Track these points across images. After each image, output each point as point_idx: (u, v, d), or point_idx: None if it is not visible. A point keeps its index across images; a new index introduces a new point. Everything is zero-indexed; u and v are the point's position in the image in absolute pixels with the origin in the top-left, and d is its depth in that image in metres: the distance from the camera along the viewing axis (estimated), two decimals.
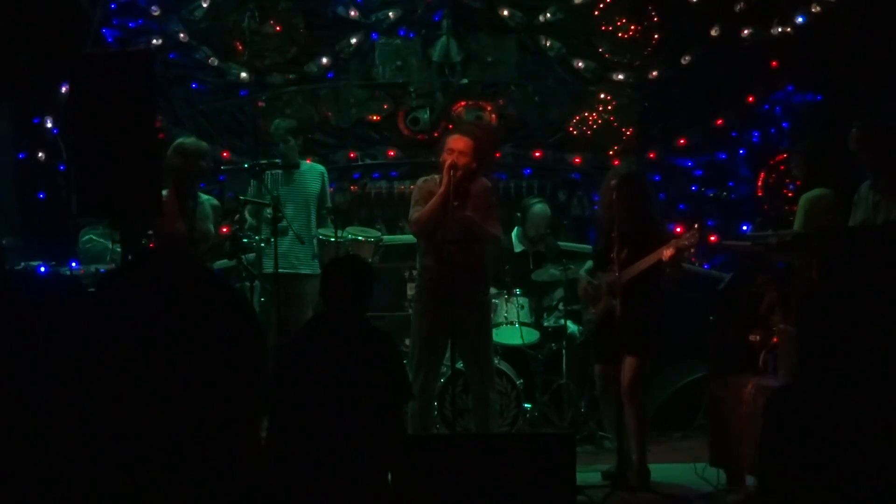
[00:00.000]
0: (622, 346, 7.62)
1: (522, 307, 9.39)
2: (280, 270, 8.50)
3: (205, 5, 11.04)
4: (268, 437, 5.66)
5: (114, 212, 6.80)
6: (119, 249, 7.01)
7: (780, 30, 10.98)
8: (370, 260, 8.66)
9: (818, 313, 4.98)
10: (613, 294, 7.64)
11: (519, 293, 9.43)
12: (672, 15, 11.21)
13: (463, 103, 11.17)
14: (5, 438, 4.84)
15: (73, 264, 9.21)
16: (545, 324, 9.56)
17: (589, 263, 8.45)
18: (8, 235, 9.82)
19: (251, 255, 8.84)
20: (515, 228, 10.03)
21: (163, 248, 8.02)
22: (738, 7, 11.03)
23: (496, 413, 8.29)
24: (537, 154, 11.32)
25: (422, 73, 11.28)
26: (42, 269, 8.80)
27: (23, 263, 9.14)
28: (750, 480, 7.18)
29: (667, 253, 7.48)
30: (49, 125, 10.56)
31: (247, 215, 9.08)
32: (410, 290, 8.74)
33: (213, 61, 11.13)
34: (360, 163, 11.35)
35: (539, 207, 9.99)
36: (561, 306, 9.57)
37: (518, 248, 9.97)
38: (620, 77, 11.28)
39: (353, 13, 11.18)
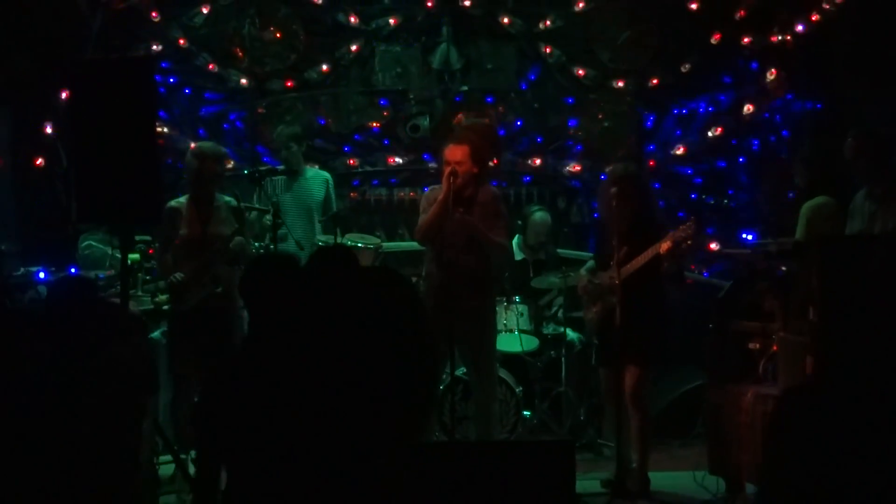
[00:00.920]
0: (624, 353, 7.61)
1: (522, 314, 9.38)
2: None
3: (205, 11, 11.05)
4: None
5: (113, 218, 6.79)
6: (119, 255, 6.99)
7: (779, 38, 10.98)
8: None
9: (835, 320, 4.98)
10: (614, 293, 7.62)
11: (518, 300, 9.42)
12: (672, 23, 11.22)
13: (463, 110, 11.17)
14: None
15: (73, 270, 9.21)
16: (545, 331, 9.56)
17: (590, 262, 8.45)
18: (7, 241, 9.80)
19: None
20: (516, 236, 10.03)
21: (179, 251, 8.07)
22: (738, 15, 11.03)
23: (496, 420, 8.29)
24: (537, 161, 11.32)
25: (421, 80, 11.29)
26: (41, 274, 8.80)
27: (22, 269, 9.14)
28: (749, 488, 7.18)
29: (664, 246, 7.47)
30: (49, 131, 10.54)
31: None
32: None
33: (213, 67, 11.13)
34: (359, 170, 11.36)
35: (540, 215, 10.00)
36: (560, 314, 9.56)
37: (518, 255, 9.97)
38: (620, 85, 11.28)
39: (352, 20, 11.18)
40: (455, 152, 7.78)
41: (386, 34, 11.28)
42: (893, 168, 7.96)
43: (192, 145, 8.65)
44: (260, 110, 11.25)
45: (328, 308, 3.84)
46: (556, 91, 11.43)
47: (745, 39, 11.04)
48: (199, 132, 11.02)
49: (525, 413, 9.14)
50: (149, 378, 6.10)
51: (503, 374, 9.08)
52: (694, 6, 11.04)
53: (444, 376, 8.35)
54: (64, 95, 10.14)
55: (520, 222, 10.05)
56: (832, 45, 10.98)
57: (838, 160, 8.26)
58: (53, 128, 10.52)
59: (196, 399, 6.54)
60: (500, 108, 11.36)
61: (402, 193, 11.16)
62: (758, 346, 7.43)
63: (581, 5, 11.14)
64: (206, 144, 8.55)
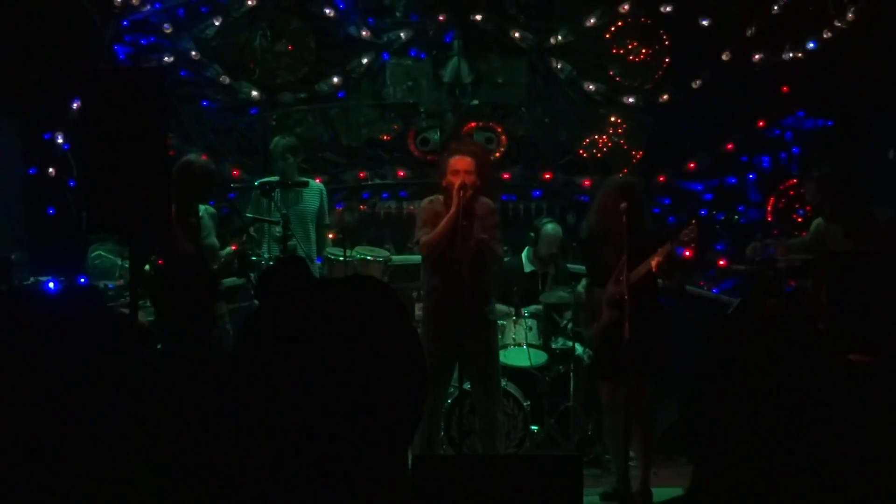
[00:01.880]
0: (628, 367, 7.56)
1: (531, 329, 9.38)
2: None
3: (217, 23, 11.08)
4: None
5: (124, 228, 6.80)
6: (128, 266, 6.99)
7: (790, 55, 10.98)
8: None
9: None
10: (615, 306, 7.58)
11: (527, 314, 9.42)
12: (683, 39, 11.24)
13: (473, 124, 11.20)
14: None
15: (82, 280, 9.22)
16: (553, 346, 9.55)
17: (584, 280, 8.42)
18: (17, 250, 9.82)
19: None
20: (526, 248, 10.03)
21: (175, 268, 8.01)
22: (749, 32, 11.04)
23: (503, 435, 8.28)
24: (547, 176, 11.33)
25: (432, 93, 11.31)
26: (51, 284, 8.81)
27: (31, 278, 9.15)
28: None
29: (653, 262, 7.40)
30: (59, 141, 10.56)
31: (252, 232, 9.05)
32: (418, 310, 8.74)
33: (225, 79, 11.14)
34: (369, 182, 11.37)
35: (551, 227, 10.00)
36: (569, 328, 9.55)
37: (528, 268, 9.97)
38: (631, 100, 11.29)
39: (364, 33, 11.21)
40: (463, 162, 7.77)
41: (397, 47, 11.29)
42: (862, 202, 7.95)
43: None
44: (271, 122, 11.27)
45: (306, 317, 3.83)
46: (566, 106, 11.43)
47: (756, 56, 11.03)
48: (209, 143, 11.04)
49: (533, 427, 9.13)
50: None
51: (511, 388, 9.07)
52: (705, 22, 11.04)
53: (452, 389, 8.36)
54: (75, 105, 10.17)
55: (532, 234, 10.04)
56: (843, 62, 10.98)
57: (851, 178, 8.25)
58: (64, 138, 10.54)
59: None
60: (511, 122, 11.38)
61: (412, 206, 11.15)
62: None
63: (592, 21, 11.15)
64: (195, 158, 8.41)
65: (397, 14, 11.40)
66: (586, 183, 11.27)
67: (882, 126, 10.42)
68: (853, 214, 7.81)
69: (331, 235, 9.57)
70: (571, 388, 9.28)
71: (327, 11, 11.13)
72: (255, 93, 11.19)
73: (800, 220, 10.76)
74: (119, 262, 9.38)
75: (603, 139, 11.34)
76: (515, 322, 9.33)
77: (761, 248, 9.18)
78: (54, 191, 10.79)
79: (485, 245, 7.76)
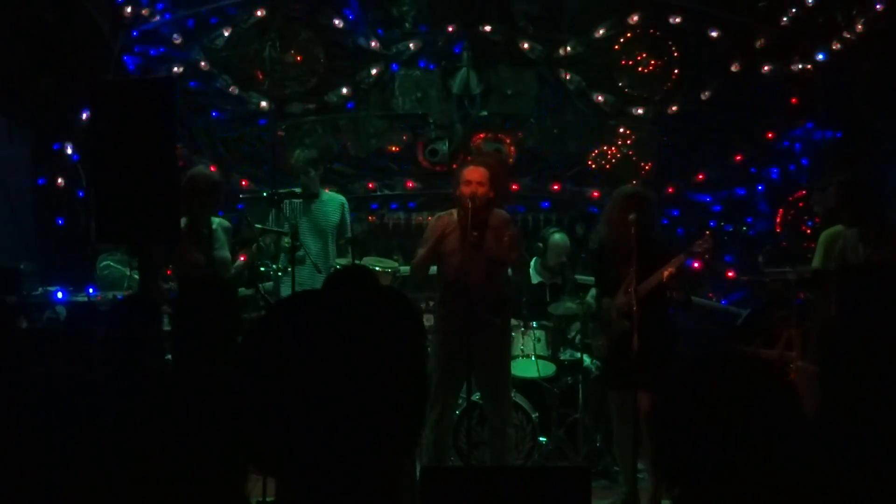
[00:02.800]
0: (638, 379, 7.53)
1: (539, 340, 9.36)
2: None
3: (226, 34, 11.10)
4: None
5: (133, 238, 6.81)
6: (137, 276, 7.01)
7: (800, 66, 10.97)
8: None
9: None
10: (624, 316, 7.55)
11: (535, 326, 9.41)
12: (692, 50, 11.23)
13: (482, 135, 11.21)
14: None
15: (91, 290, 9.23)
16: (562, 357, 9.53)
17: (593, 291, 8.39)
18: (26, 261, 9.84)
19: (269, 284, 8.83)
20: (533, 259, 10.02)
21: (185, 278, 8.04)
22: (759, 43, 11.04)
23: (512, 446, 8.26)
24: (556, 187, 11.33)
25: (441, 104, 11.32)
26: (59, 294, 8.82)
27: (40, 289, 9.17)
28: None
29: (666, 273, 7.37)
30: (69, 151, 10.60)
31: (262, 244, 9.05)
32: (428, 321, 8.74)
33: (234, 90, 11.17)
34: (378, 193, 11.38)
35: (559, 237, 9.98)
36: (577, 339, 9.53)
37: (535, 279, 9.95)
38: (640, 111, 11.29)
39: (373, 44, 11.22)
40: (475, 173, 7.74)
41: (406, 58, 11.30)
42: (881, 209, 7.93)
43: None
44: (280, 133, 11.29)
45: (336, 326, 3.80)
46: (575, 117, 11.44)
47: (765, 68, 11.03)
48: (219, 153, 11.06)
49: (541, 439, 9.10)
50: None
51: (519, 399, 9.05)
52: (714, 34, 11.04)
53: (460, 401, 8.34)
54: (84, 116, 10.20)
55: (539, 245, 10.03)
56: (852, 74, 10.97)
57: (860, 189, 8.23)
58: (73, 148, 10.57)
59: None
60: (520, 134, 11.38)
61: (421, 217, 11.16)
62: None
63: (601, 32, 11.15)
64: (202, 170, 8.46)
65: (406, 25, 11.41)
66: (595, 194, 11.27)
67: (891, 137, 10.40)
68: (871, 220, 7.79)
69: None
70: (580, 400, 9.25)
71: (336, 22, 11.15)
72: (264, 103, 11.21)
73: (808, 231, 10.75)
74: (127, 273, 9.38)
75: (612, 150, 11.35)
76: (524, 333, 9.32)
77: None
78: (63, 201, 10.82)
79: (494, 259, 7.75)
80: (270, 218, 9.25)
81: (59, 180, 10.75)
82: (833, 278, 7.19)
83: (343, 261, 9.13)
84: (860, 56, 10.82)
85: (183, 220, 8.01)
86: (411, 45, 11.28)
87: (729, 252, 11.30)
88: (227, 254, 8.25)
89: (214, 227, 8.22)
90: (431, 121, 11.34)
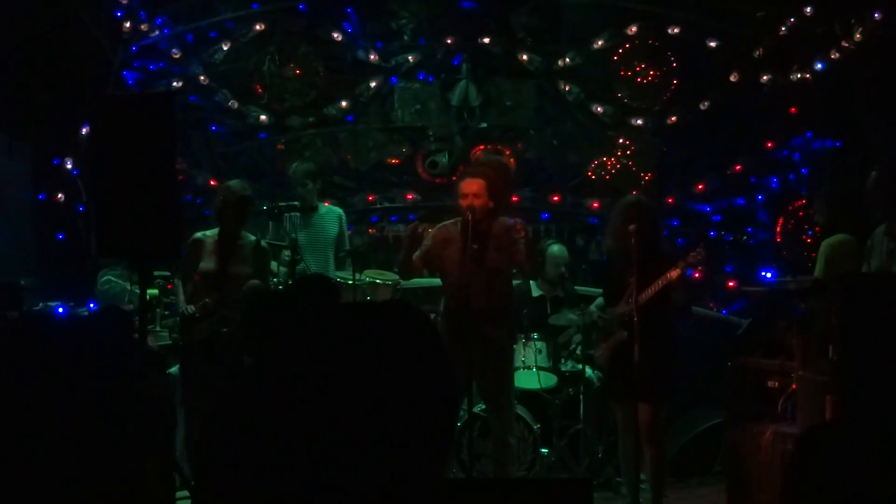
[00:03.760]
0: (639, 391, 7.52)
1: (540, 352, 9.36)
2: None
3: (225, 48, 11.12)
4: None
5: (133, 253, 6.80)
6: (137, 291, 7.01)
7: (798, 76, 10.97)
8: None
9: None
10: (625, 326, 7.55)
11: (537, 337, 9.40)
12: (691, 60, 11.24)
13: (482, 147, 11.21)
14: None
15: (92, 305, 9.22)
16: (563, 368, 9.52)
17: (599, 300, 8.39)
18: (26, 276, 9.85)
19: None
20: None
21: (199, 285, 8.10)
22: (758, 53, 11.04)
23: (514, 458, 8.25)
24: (555, 198, 11.33)
25: (441, 116, 11.32)
26: (60, 309, 8.81)
27: (41, 304, 9.16)
28: None
29: (674, 273, 7.35)
30: (69, 166, 10.60)
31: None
32: None
33: (233, 104, 11.18)
34: (378, 206, 11.38)
35: (557, 248, 9.97)
36: (579, 351, 9.53)
37: (536, 292, 9.94)
38: (639, 122, 11.29)
39: (372, 57, 11.23)
40: (472, 185, 7.73)
41: (405, 71, 11.31)
42: None
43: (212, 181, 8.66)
44: (279, 146, 11.29)
45: (335, 341, 3.77)
46: (574, 128, 11.44)
47: (764, 77, 11.03)
48: (218, 167, 11.07)
49: (543, 450, 9.10)
50: (166, 415, 6.08)
51: (521, 411, 9.04)
52: (713, 44, 11.05)
53: (462, 413, 8.32)
54: (84, 130, 10.20)
55: (539, 259, 10.01)
56: (852, 83, 10.98)
57: (858, 198, 8.22)
58: (73, 163, 10.58)
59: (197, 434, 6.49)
60: (519, 145, 11.38)
61: (421, 230, 11.14)
62: (777, 384, 7.37)
63: (600, 43, 11.15)
64: (234, 183, 8.55)
65: (405, 38, 11.42)
66: (595, 205, 11.27)
67: (891, 146, 10.39)
68: None
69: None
70: (581, 411, 9.25)
71: (335, 36, 11.16)
72: (263, 117, 11.23)
73: (808, 240, 10.75)
74: (128, 287, 9.38)
75: (611, 161, 11.35)
76: (525, 345, 9.31)
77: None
78: (64, 216, 10.83)
79: (496, 270, 7.74)
80: (270, 231, 9.26)
81: (60, 195, 10.75)
82: (834, 287, 7.17)
83: (343, 274, 9.13)
84: (859, 65, 10.82)
85: (214, 231, 8.22)
86: (410, 57, 11.29)
87: (729, 262, 11.30)
88: (246, 268, 8.22)
89: (243, 243, 8.26)
90: (431, 133, 11.35)
